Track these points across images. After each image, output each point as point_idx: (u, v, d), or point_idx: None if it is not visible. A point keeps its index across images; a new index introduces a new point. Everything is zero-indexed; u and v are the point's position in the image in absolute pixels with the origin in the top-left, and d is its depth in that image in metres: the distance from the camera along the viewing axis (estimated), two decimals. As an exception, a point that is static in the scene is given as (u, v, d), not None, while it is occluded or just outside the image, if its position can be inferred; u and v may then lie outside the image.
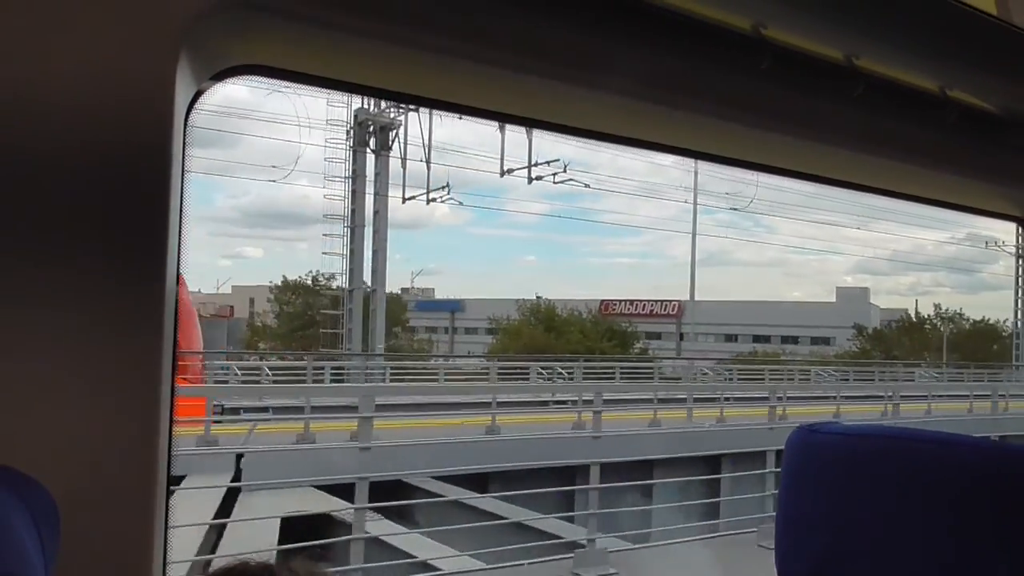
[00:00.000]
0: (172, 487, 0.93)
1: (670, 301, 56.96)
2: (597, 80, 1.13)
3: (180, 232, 0.91)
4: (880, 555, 1.15)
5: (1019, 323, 24.41)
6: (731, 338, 50.78)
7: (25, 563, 0.64)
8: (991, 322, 42.51)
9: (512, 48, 1.06)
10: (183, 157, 0.92)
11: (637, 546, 8.30)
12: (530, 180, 22.55)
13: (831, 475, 1.23)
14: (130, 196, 0.85)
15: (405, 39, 0.99)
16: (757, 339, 47.77)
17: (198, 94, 0.95)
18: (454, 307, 54.55)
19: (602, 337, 41.83)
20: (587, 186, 25.25)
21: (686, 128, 1.31)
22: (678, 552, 7.91)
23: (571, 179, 23.52)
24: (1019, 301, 23.76)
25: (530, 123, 1.33)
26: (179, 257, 0.92)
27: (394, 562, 7.52)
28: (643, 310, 51.55)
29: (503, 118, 1.28)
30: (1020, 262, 20.24)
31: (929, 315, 43.34)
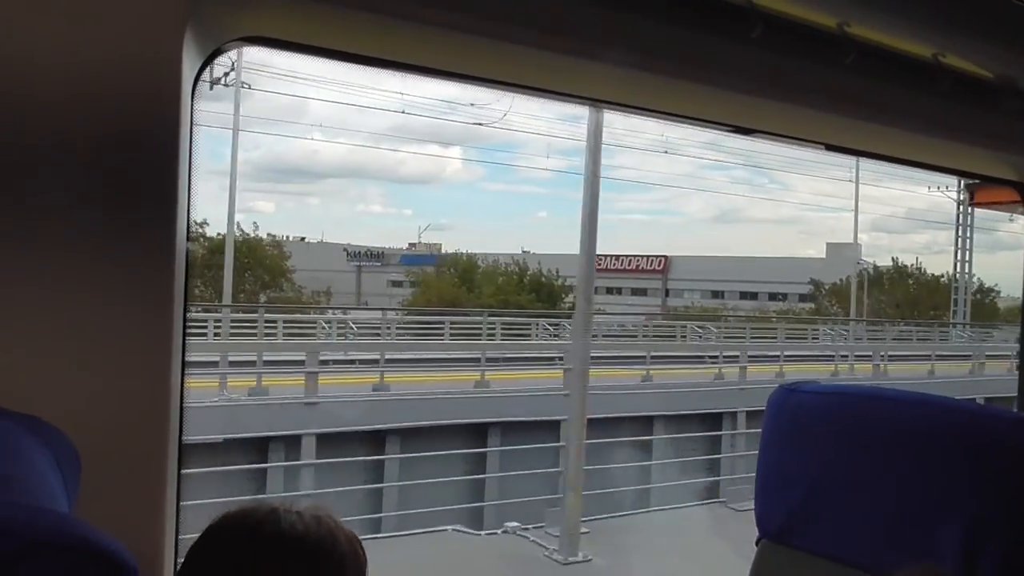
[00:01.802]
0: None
1: (656, 256, 56.95)
2: (599, 51, 1.14)
3: (189, 193, 0.93)
4: (852, 508, 1.20)
5: (957, 281, 22.61)
6: (717, 294, 50.94)
7: (52, 501, 0.67)
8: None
9: (516, 19, 1.07)
10: (191, 123, 0.93)
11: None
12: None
13: (810, 432, 1.28)
14: (141, 159, 0.87)
15: (409, 11, 1.00)
16: (744, 295, 47.92)
17: (205, 63, 0.97)
18: (432, 261, 54.39)
19: (522, 291, 40.16)
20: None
21: (682, 96, 1.32)
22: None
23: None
24: (958, 258, 21.98)
25: (536, 92, 1.34)
26: (188, 216, 0.94)
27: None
28: (629, 265, 51.50)
29: (508, 87, 1.30)
30: (961, 220, 18.76)
31: (888, 269, 41.43)
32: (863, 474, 1.20)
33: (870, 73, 1.37)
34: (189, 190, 0.93)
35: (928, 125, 1.52)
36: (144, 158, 0.87)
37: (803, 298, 47.24)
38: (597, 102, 1.47)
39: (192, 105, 0.94)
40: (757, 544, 1.35)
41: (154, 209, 0.87)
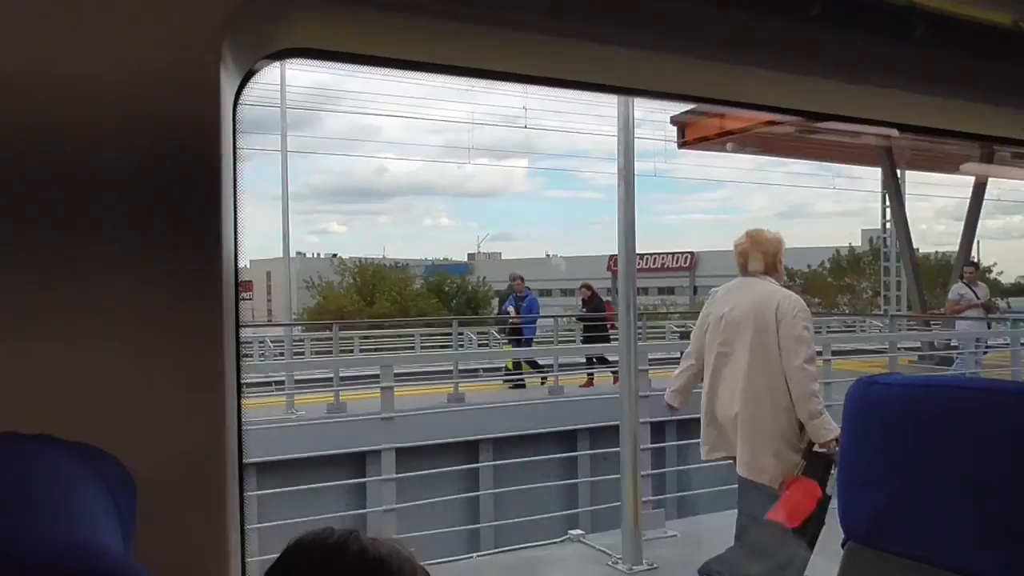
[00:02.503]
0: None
1: (682, 253, 56.79)
2: (651, 40, 1.11)
3: (236, 211, 0.92)
4: (946, 506, 1.14)
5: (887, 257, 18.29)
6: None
7: (108, 533, 0.65)
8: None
9: (577, 13, 1.04)
10: (234, 140, 0.92)
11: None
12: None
13: (894, 426, 1.22)
14: (181, 178, 0.85)
15: (454, 10, 0.97)
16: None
17: (247, 78, 0.95)
18: (463, 270, 54.98)
19: (428, 298, 38.46)
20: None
21: (741, 81, 1.28)
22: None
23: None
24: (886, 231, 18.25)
25: (599, 88, 1.29)
26: (237, 235, 0.92)
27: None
28: (653, 264, 51.42)
29: (575, 86, 1.26)
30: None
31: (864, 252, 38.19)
32: (956, 470, 1.13)
33: (941, 45, 1.31)
34: (236, 208, 0.92)
35: (1007, 98, 1.44)
36: (185, 177, 0.86)
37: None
38: (658, 94, 1.42)
39: (235, 120, 0.92)
40: (843, 546, 1.29)
41: (197, 229, 0.86)
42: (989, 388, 1.13)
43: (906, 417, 1.21)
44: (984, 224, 15.67)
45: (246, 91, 0.98)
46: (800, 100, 1.40)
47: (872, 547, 1.22)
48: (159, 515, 0.81)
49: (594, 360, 13.42)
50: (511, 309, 14.19)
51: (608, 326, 15.14)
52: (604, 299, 15.32)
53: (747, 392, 4.07)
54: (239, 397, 0.91)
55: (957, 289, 12.28)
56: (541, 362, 13.74)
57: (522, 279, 14.35)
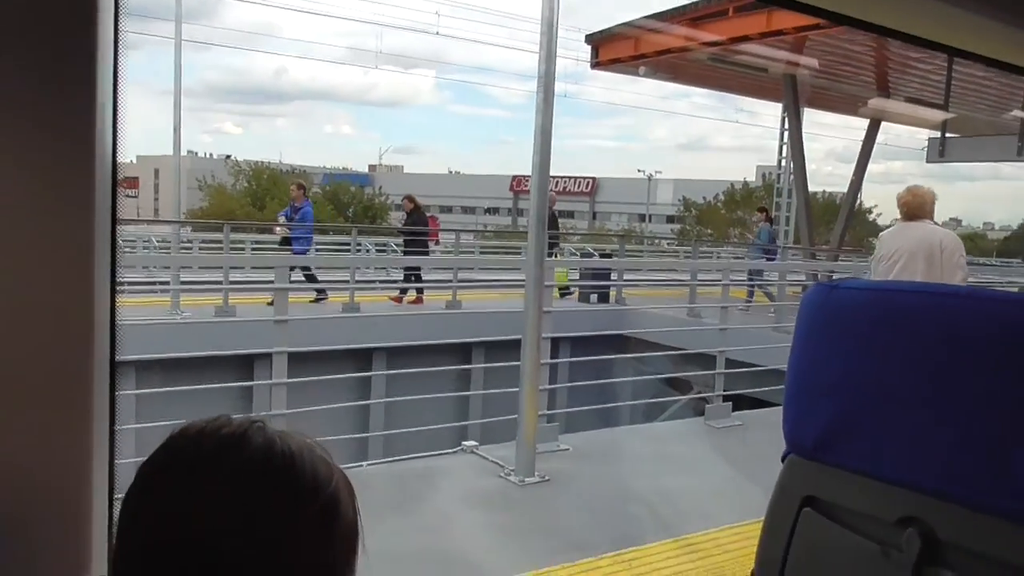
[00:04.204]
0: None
1: (583, 178, 57.30)
2: None
3: (115, 95, 0.82)
4: (902, 420, 1.06)
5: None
6: (644, 217, 51.65)
7: None
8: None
9: None
10: (115, 8, 0.81)
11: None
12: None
13: (852, 334, 1.14)
14: (52, 53, 0.76)
15: None
16: (669, 219, 48.56)
17: None
18: (364, 181, 53.87)
19: (325, 205, 37.81)
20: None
21: None
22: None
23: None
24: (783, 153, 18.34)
25: None
26: (116, 123, 0.82)
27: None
28: (556, 187, 51.64)
29: None
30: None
31: (756, 187, 39.05)
32: (918, 383, 1.05)
33: None
34: (116, 90, 0.82)
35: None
36: (55, 48, 0.77)
37: (670, 219, 47.59)
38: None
39: None
40: (783, 460, 1.21)
41: (69, 112, 0.78)
42: (966, 294, 1.04)
43: (869, 323, 1.12)
44: (868, 168, 16.27)
45: None
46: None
47: (817, 460, 1.14)
48: (21, 412, 0.77)
49: (412, 277, 12.81)
50: (282, 219, 12.97)
51: (428, 241, 14.83)
52: (428, 215, 14.87)
53: None
54: (113, 294, 0.84)
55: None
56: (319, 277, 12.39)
57: (300, 187, 12.91)
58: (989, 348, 0.96)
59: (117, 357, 0.86)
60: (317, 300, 11.44)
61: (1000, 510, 0.94)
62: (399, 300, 12.37)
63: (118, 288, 0.85)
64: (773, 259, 15.00)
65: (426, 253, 14.40)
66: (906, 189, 5.54)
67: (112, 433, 0.85)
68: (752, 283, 12.77)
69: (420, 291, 12.62)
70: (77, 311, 0.79)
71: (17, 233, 0.76)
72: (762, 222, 15.35)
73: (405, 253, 14.29)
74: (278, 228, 13.18)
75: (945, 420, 1.00)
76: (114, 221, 0.83)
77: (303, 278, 11.96)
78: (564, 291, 13.27)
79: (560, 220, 16.48)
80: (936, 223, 5.70)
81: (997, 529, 0.94)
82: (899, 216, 5.63)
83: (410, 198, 14.19)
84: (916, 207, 5.46)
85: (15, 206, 0.76)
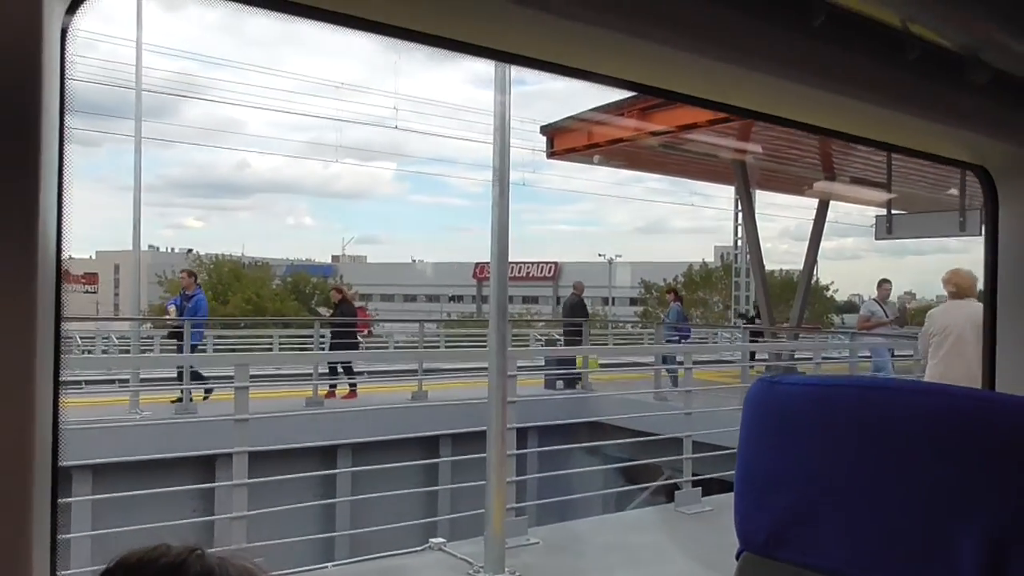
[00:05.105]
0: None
1: (546, 263, 57.92)
2: (640, 29, 1.05)
3: (60, 185, 0.79)
4: (849, 513, 1.08)
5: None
6: (607, 301, 52.05)
7: None
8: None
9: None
10: (61, 92, 0.78)
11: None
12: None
13: (796, 429, 1.16)
14: None
15: None
16: (633, 301, 49.00)
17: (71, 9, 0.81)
18: (327, 272, 53.93)
19: (285, 298, 38.61)
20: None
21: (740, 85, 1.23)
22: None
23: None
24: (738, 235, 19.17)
25: (563, 70, 1.20)
26: (60, 213, 0.79)
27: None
28: (519, 273, 52.09)
29: (529, 63, 1.16)
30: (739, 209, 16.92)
31: (715, 267, 39.97)
32: (860, 475, 1.07)
33: (838, 38, 1.28)
34: (61, 179, 0.79)
35: (894, 100, 1.44)
36: None
37: (632, 301, 48.21)
38: (636, 85, 1.34)
39: (63, 68, 0.80)
40: (737, 558, 1.21)
41: (6, 211, 0.74)
42: (901, 388, 1.08)
43: (811, 418, 1.15)
44: (821, 245, 16.70)
45: (77, 21, 0.82)
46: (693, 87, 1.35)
47: (769, 557, 1.15)
48: None
49: (339, 369, 12.40)
50: (172, 309, 12.14)
51: (357, 333, 14.18)
52: (357, 305, 14.41)
53: (973, 376, 4.63)
54: (56, 394, 0.81)
55: (868, 306, 12.06)
56: (206, 373, 11.55)
57: (190, 274, 12.27)
58: (920, 439, 0.99)
59: (62, 462, 0.82)
60: (205, 399, 11.06)
61: None
62: (331, 395, 12.07)
63: (63, 388, 0.82)
64: (687, 337, 15.80)
65: (355, 346, 13.90)
66: (950, 272, 6.23)
67: (54, 544, 0.82)
68: (666, 367, 13.08)
69: (353, 385, 12.39)
70: (16, 414, 0.76)
71: None
72: (672, 302, 15.94)
73: (333, 346, 13.53)
74: (167, 319, 12.52)
75: (885, 512, 1.02)
76: (58, 319, 0.81)
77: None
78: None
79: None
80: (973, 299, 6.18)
81: None
82: (946, 295, 6.37)
83: (338, 288, 14.10)
84: (965, 287, 6.14)
85: None
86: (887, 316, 11.59)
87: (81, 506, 7.00)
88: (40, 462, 0.78)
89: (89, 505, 7.00)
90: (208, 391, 11.14)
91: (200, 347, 12.21)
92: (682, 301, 17.22)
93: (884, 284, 11.97)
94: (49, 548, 0.81)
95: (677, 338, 15.49)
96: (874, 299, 11.93)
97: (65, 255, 0.81)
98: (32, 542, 0.77)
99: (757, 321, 17.04)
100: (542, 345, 17.84)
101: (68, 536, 4.94)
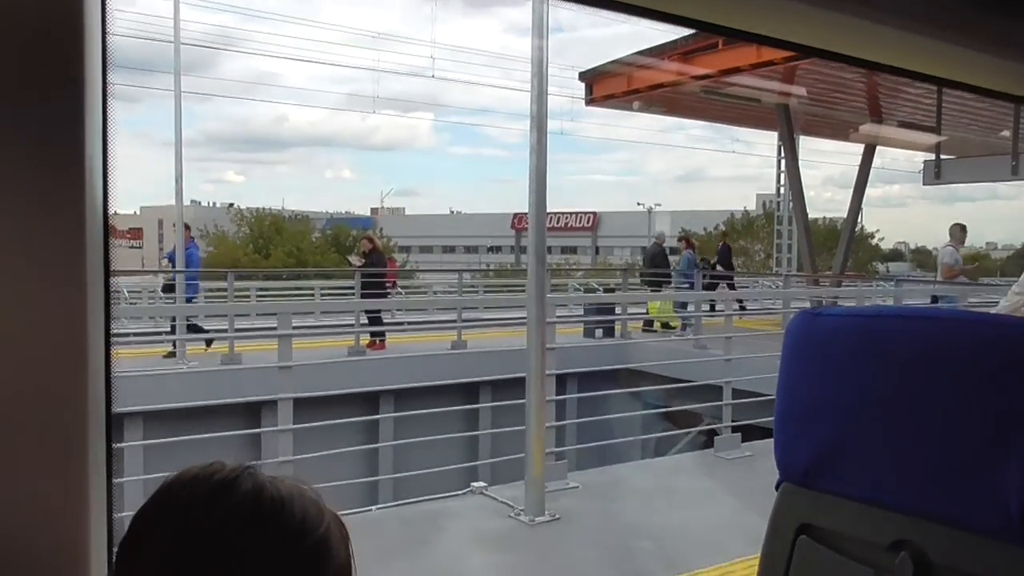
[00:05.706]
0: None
1: (584, 213, 57.51)
2: None
3: (105, 144, 0.81)
4: (890, 444, 1.08)
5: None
6: (645, 249, 51.57)
7: None
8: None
9: None
10: (103, 47, 0.79)
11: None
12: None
13: (837, 360, 1.15)
14: (39, 100, 0.74)
15: None
16: (674, 251, 48.50)
17: None
18: (366, 224, 54.32)
19: (326, 251, 38.22)
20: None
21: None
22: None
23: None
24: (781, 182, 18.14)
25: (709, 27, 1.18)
26: (106, 173, 0.81)
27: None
28: (558, 223, 51.81)
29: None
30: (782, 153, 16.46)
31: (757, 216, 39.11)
32: (902, 405, 1.06)
33: None
34: (105, 137, 0.81)
35: (933, 28, 1.38)
36: (41, 95, 0.76)
37: (672, 251, 47.67)
38: (682, 19, 1.31)
39: (104, 13, 0.80)
40: (777, 488, 1.22)
41: (57, 163, 0.76)
42: (944, 317, 1.06)
43: (853, 349, 1.14)
44: (867, 192, 16.31)
45: None
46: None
47: (809, 488, 1.16)
48: (13, 467, 0.76)
49: (371, 320, 12.49)
50: (166, 262, 12.35)
51: (386, 283, 14.18)
52: (388, 256, 14.47)
53: None
54: (107, 346, 0.83)
55: (951, 253, 11.13)
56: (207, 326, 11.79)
57: (186, 227, 12.41)
58: (964, 367, 0.98)
59: (116, 409, 0.85)
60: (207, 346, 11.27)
61: (987, 530, 0.95)
62: (373, 345, 12.17)
63: (114, 339, 0.85)
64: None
65: (384, 296, 13.91)
66: None
67: (110, 486, 0.85)
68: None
69: (382, 335, 12.43)
70: (71, 364, 0.79)
71: (6, 291, 0.76)
72: (684, 250, 15.70)
73: (363, 296, 13.51)
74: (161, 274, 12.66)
75: (927, 441, 1.02)
76: (107, 272, 0.83)
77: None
78: (665, 326, 13.51)
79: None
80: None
81: (985, 549, 0.95)
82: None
83: (369, 238, 14.06)
84: None
85: (3, 260, 0.76)
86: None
87: (133, 451, 7.26)
88: (94, 408, 0.81)
89: (140, 450, 7.24)
90: (208, 342, 11.39)
91: (194, 299, 12.36)
92: (694, 248, 17.00)
93: (961, 229, 11.00)
94: (106, 489, 0.84)
95: (687, 285, 15.47)
96: (950, 245, 11.08)
97: (111, 211, 0.83)
98: (90, 483, 0.80)
99: (719, 268, 17.37)
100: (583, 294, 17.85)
101: (122, 480, 5.12)
